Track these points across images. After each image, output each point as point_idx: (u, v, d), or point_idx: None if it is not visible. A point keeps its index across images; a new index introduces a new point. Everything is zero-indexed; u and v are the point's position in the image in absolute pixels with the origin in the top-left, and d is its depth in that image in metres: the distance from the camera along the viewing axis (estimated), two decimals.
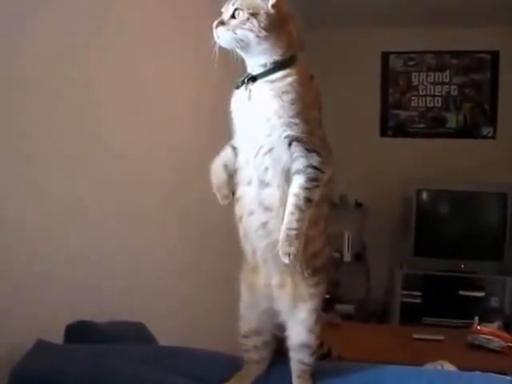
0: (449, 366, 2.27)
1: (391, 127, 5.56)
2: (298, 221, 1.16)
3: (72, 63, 1.72)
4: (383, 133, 5.57)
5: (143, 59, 2.21)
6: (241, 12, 1.17)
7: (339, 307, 4.89)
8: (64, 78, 1.68)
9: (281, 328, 1.31)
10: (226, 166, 1.28)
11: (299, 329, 1.28)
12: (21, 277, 1.49)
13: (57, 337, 1.50)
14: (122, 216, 2.05)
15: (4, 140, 1.44)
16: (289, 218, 1.17)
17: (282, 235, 1.17)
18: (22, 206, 1.51)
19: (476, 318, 3.64)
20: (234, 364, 1.37)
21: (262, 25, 1.16)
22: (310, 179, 1.18)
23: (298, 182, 1.18)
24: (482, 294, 4.81)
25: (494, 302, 4.86)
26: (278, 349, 1.35)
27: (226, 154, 1.29)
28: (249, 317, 1.34)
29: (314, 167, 1.18)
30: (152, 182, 2.30)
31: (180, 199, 2.59)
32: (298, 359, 1.29)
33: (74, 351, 1.43)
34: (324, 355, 1.48)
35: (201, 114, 2.79)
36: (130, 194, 2.11)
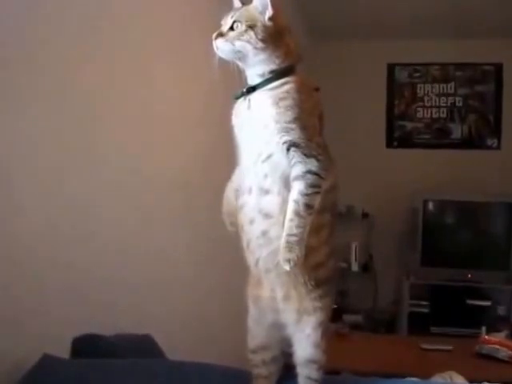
0: (457, 377, 2.26)
1: (397, 138, 5.60)
2: (298, 227, 1.15)
3: (83, 74, 1.73)
4: (389, 144, 5.61)
5: (153, 74, 2.22)
6: (239, 24, 1.20)
7: (347, 317, 4.89)
8: (72, 90, 1.69)
9: (288, 343, 1.29)
10: (237, 191, 1.29)
11: (305, 344, 1.27)
12: (26, 290, 1.47)
13: (63, 350, 1.49)
14: (130, 229, 2.05)
15: (16, 151, 1.45)
16: (289, 224, 1.16)
17: (282, 242, 1.16)
18: (31, 219, 1.51)
19: (483, 328, 3.65)
20: (242, 379, 1.36)
21: (259, 36, 1.19)
22: (310, 185, 1.17)
23: (297, 188, 1.17)
24: (488, 304, 4.82)
25: (501, 311, 4.87)
26: (286, 364, 1.33)
27: (236, 177, 1.31)
28: (256, 332, 1.33)
29: (313, 173, 1.17)
30: (161, 195, 2.31)
31: (189, 212, 2.59)
32: (306, 375, 1.27)
33: (80, 366, 1.41)
34: None
35: (210, 129, 2.78)
36: (138, 207, 2.10)
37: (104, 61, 1.88)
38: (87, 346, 1.53)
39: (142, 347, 1.70)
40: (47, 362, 1.36)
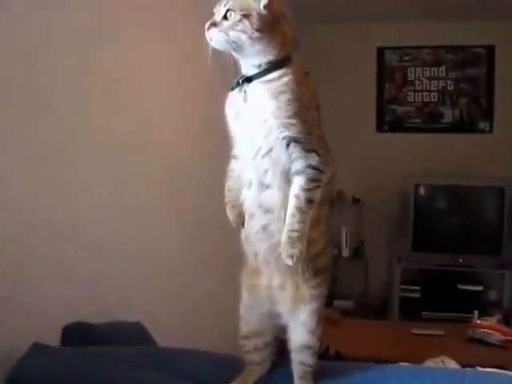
0: (449, 362, 2.26)
1: (388, 122, 5.56)
2: (300, 222, 1.16)
3: (72, 65, 1.73)
4: (380, 128, 5.57)
5: (141, 60, 2.21)
6: (233, 13, 1.15)
7: (338, 303, 4.88)
8: (64, 81, 1.69)
9: (282, 329, 1.30)
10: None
11: (300, 330, 1.27)
12: (15, 278, 1.47)
13: (53, 339, 1.48)
14: (117, 214, 2.04)
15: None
16: (290, 219, 1.16)
17: (284, 237, 1.16)
18: (18, 206, 1.50)
19: (475, 312, 3.65)
20: (234, 365, 1.36)
21: (255, 26, 1.15)
22: (310, 180, 1.17)
23: (298, 183, 1.17)
24: (480, 288, 4.82)
25: (492, 295, 4.88)
26: (280, 350, 1.35)
27: (232, 164, 1.30)
28: (249, 318, 1.34)
29: (314, 167, 1.17)
30: (147, 180, 2.30)
31: (175, 196, 2.58)
32: (300, 360, 1.28)
33: (70, 354, 1.41)
34: (321, 353, 1.48)
35: (195, 115, 2.78)
36: (124, 192, 2.10)
37: (93, 45, 1.86)
38: (77, 335, 1.53)
39: (133, 335, 1.71)
40: (37, 351, 1.36)
